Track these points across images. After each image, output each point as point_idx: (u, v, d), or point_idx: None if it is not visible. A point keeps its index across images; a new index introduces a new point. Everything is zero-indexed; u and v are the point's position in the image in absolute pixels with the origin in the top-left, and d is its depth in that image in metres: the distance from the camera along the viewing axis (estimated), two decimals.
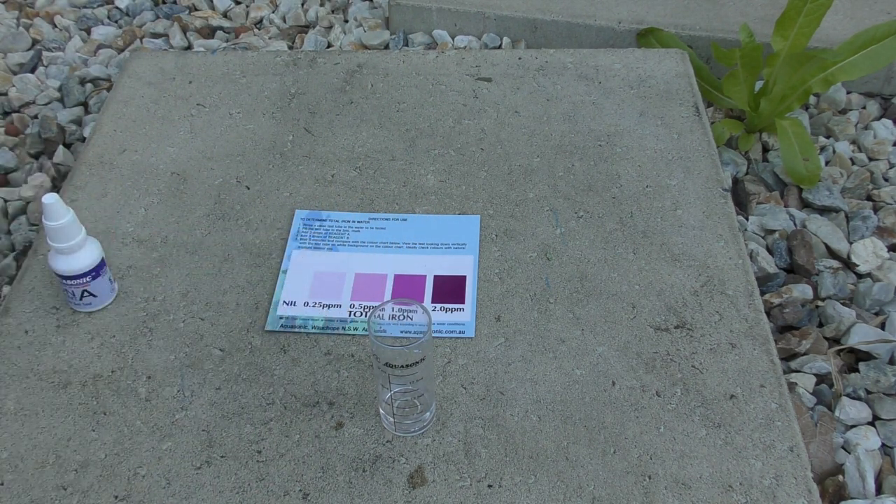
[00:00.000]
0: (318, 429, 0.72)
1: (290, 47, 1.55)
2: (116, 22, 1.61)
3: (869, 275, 1.11)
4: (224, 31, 1.59)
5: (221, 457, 0.71)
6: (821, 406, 0.96)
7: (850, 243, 1.14)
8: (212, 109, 1.06)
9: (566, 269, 0.85)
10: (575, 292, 0.83)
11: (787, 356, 1.01)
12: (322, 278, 0.85)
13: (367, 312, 0.81)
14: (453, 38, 1.54)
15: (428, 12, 1.54)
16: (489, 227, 0.90)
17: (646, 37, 1.41)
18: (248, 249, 0.88)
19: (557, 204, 0.92)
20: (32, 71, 1.46)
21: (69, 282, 0.79)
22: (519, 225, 0.90)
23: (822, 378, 0.99)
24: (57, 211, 0.74)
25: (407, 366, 0.64)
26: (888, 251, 1.12)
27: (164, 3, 1.66)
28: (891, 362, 0.99)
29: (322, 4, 1.68)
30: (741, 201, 1.23)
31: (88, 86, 1.40)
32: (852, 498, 0.87)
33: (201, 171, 0.98)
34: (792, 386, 0.97)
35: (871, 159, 1.29)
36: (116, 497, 0.68)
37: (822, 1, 1.18)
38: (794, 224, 1.18)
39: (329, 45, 1.57)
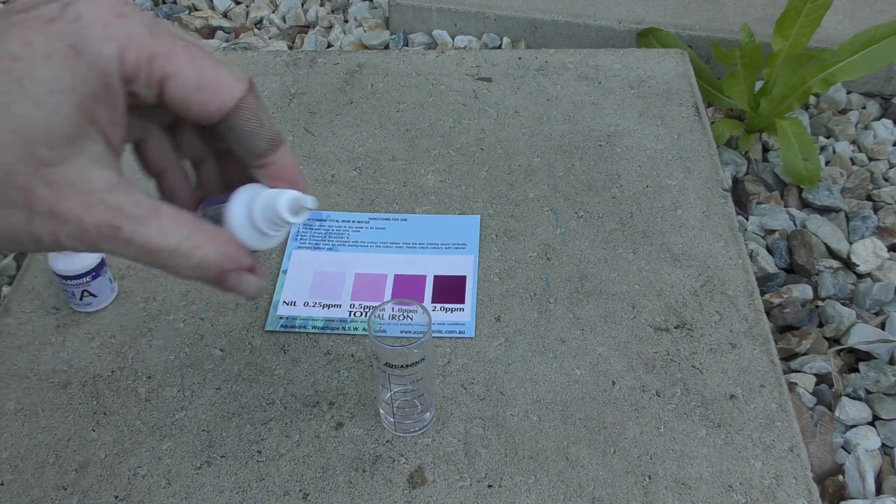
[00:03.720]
0: (318, 429, 0.72)
1: (290, 47, 1.55)
2: None
3: (869, 275, 1.11)
4: (224, 31, 1.59)
5: (221, 457, 0.71)
6: (821, 406, 0.96)
7: (850, 243, 1.14)
8: None
9: (566, 269, 0.85)
10: (575, 292, 0.83)
11: (787, 356, 1.01)
12: (322, 278, 0.85)
13: (367, 312, 0.81)
14: (453, 38, 1.54)
15: (428, 12, 1.54)
16: (489, 227, 0.90)
17: (646, 37, 1.41)
18: None
19: (557, 204, 0.92)
20: None
21: (69, 282, 0.79)
22: (519, 225, 0.90)
23: (822, 378, 0.99)
24: None
25: (407, 366, 0.64)
26: (888, 251, 1.13)
27: (164, 3, 1.66)
28: (891, 362, 0.99)
29: (322, 4, 1.68)
30: (741, 201, 1.23)
31: None
32: (852, 498, 0.87)
33: None
34: (792, 386, 0.97)
35: (871, 159, 1.29)
36: (116, 497, 0.68)
37: (822, 1, 1.18)
38: (794, 224, 1.18)
39: (329, 45, 1.57)
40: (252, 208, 0.43)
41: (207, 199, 0.47)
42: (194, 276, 0.41)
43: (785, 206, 1.21)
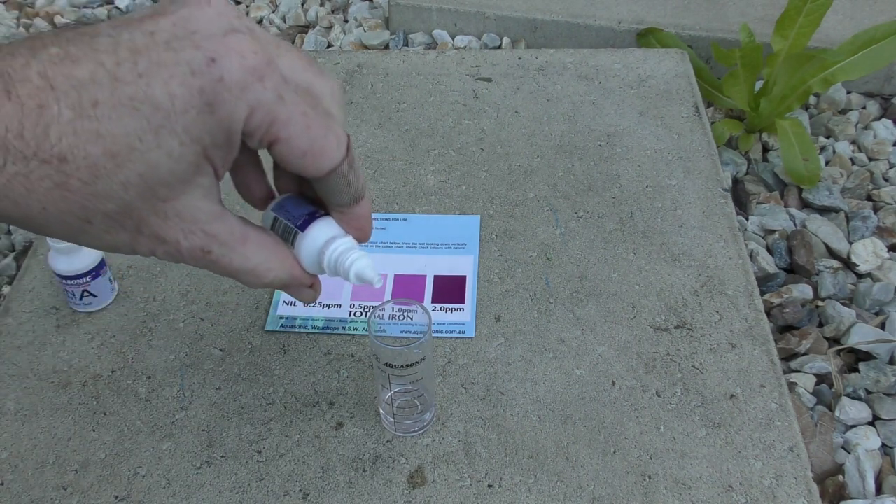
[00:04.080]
0: (318, 429, 0.72)
1: None
2: None
3: (869, 275, 1.11)
4: None
5: (221, 457, 0.71)
6: (821, 406, 0.96)
7: (850, 243, 1.14)
8: None
9: (566, 269, 0.85)
10: (575, 292, 0.83)
11: (787, 356, 1.01)
12: (322, 278, 0.85)
13: (367, 312, 0.81)
14: (453, 38, 1.54)
15: (428, 12, 1.54)
16: (489, 227, 0.90)
17: (646, 37, 1.41)
18: None
19: (557, 204, 0.92)
20: None
21: (69, 282, 0.79)
22: (519, 225, 0.90)
23: (822, 378, 0.99)
24: None
25: (407, 366, 0.64)
26: (888, 251, 1.13)
27: None
28: (891, 362, 0.99)
29: (322, 4, 1.68)
30: (741, 201, 1.23)
31: None
32: (852, 498, 0.87)
33: None
34: (792, 386, 0.97)
35: (871, 159, 1.29)
36: (116, 497, 0.68)
37: (822, 1, 1.18)
38: (794, 224, 1.18)
39: (329, 45, 1.57)
40: (324, 253, 0.48)
41: (280, 202, 0.50)
42: (262, 288, 0.50)
43: (785, 206, 1.20)
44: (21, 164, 0.35)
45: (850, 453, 0.91)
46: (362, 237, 0.50)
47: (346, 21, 1.63)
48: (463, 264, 0.85)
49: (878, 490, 0.88)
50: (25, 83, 0.35)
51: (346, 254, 0.48)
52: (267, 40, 0.40)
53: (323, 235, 0.48)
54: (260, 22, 1.63)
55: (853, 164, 1.28)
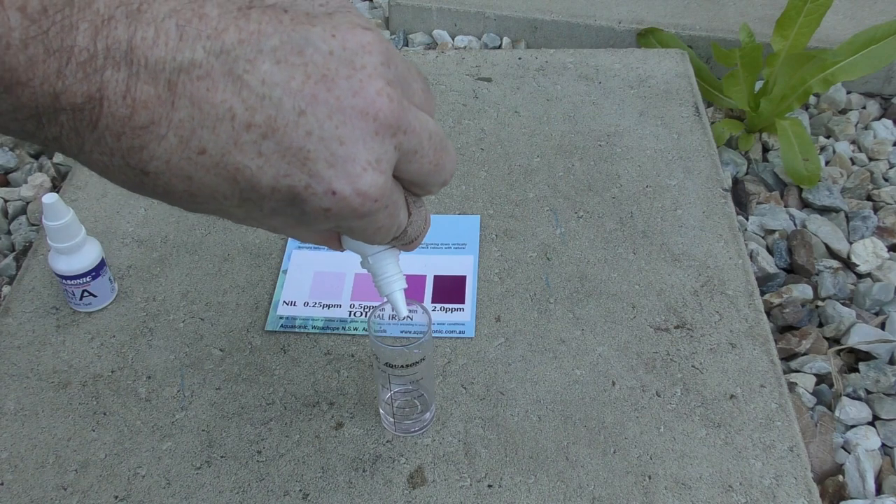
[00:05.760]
0: (318, 429, 0.72)
1: None
2: None
3: (869, 275, 1.11)
4: None
5: (221, 457, 0.71)
6: (821, 406, 0.96)
7: (850, 243, 1.14)
8: None
9: (566, 269, 0.85)
10: (575, 292, 0.83)
11: (787, 356, 1.01)
12: (322, 278, 0.85)
13: (367, 312, 0.81)
14: (453, 38, 1.54)
15: (428, 12, 1.54)
16: (489, 227, 0.90)
17: (646, 37, 1.42)
18: (248, 249, 0.88)
19: (557, 204, 0.92)
20: None
21: (69, 282, 0.79)
22: (519, 225, 0.90)
23: (822, 378, 0.99)
24: (57, 211, 0.74)
25: (407, 366, 0.64)
26: (888, 251, 1.13)
27: None
28: (891, 362, 0.99)
29: None
30: (741, 201, 1.23)
31: None
32: (852, 498, 0.87)
33: None
34: (792, 386, 0.97)
35: (871, 159, 1.29)
36: (116, 497, 0.68)
37: (822, 1, 1.18)
38: (794, 224, 1.18)
39: None
40: (368, 260, 0.52)
41: None
42: None
43: (785, 206, 1.21)
44: (107, 157, 0.35)
45: (850, 453, 0.91)
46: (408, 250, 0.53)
47: None
48: (463, 264, 0.85)
49: (878, 490, 0.88)
50: (148, 86, 0.33)
51: (390, 278, 0.53)
52: (405, 155, 0.39)
53: (376, 246, 0.50)
54: None
55: (853, 164, 1.28)
